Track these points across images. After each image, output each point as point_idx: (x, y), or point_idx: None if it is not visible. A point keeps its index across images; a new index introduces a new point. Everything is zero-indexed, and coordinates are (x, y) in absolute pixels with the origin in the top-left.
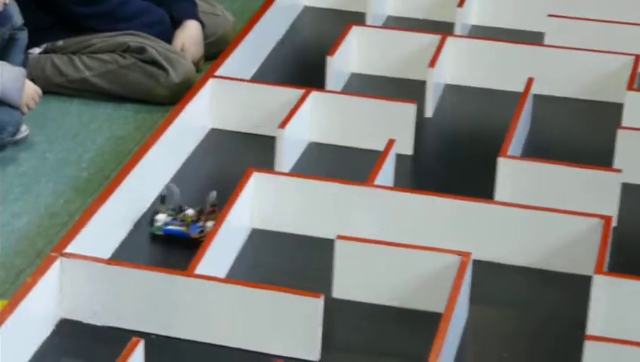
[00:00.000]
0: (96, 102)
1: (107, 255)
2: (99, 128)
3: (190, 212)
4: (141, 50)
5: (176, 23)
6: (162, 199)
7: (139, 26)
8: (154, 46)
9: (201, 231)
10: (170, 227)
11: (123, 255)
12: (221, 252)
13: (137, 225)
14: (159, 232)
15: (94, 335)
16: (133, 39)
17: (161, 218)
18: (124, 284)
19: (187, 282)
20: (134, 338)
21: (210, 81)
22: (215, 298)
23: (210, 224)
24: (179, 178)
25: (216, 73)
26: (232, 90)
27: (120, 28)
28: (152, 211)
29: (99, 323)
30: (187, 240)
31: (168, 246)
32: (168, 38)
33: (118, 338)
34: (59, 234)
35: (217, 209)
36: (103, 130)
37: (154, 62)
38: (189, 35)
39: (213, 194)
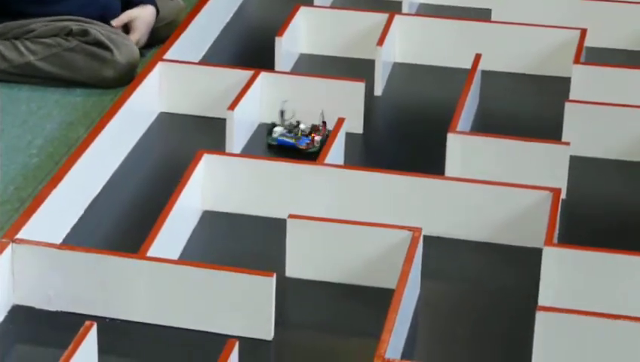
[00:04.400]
0: (45, 89)
1: (59, 240)
2: (48, 114)
3: (303, 126)
4: (84, 32)
5: (133, 6)
6: (281, 113)
7: (75, 8)
8: (97, 28)
9: (308, 144)
10: (283, 138)
11: (75, 239)
12: (173, 234)
13: (88, 209)
14: (274, 142)
15: (48, 320)
16: (75, 23)
17: (278, 130)
18: (76, 269)
19: (139, 264)
20: (87, 323)
21: (159, 65)
22: (168, 280)
23: (318, 138)
24: (129, 162)
25: (165, 56)
26: (181, 73)
27: (56, 10)
28: (271, 124)
29: (52, 309)
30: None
31: (120, 229)
32: (107, 19)
33: (72, 323)
34: (10, 220)
35: (325, 125)
36: (53, 116)
37: (98, 44)
38: (142, 16)
39: (323, 111)
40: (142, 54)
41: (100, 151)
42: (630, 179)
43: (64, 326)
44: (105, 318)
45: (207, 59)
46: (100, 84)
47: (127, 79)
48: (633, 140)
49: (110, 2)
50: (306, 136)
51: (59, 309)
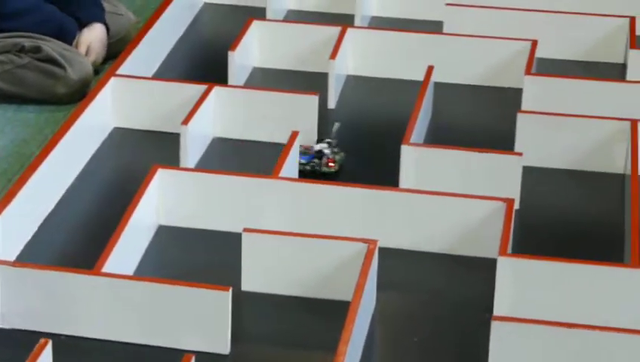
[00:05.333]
0: None
1: (12, 257)
2: (1, 131)
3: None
4: (37, 49)
5: (82, 25)
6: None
7: (28, 24)
8: (49, 45)
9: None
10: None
11: (29, 256)
12: (128, 249)
13: (42, 226)
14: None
15: (1, 338)
16: (28, 40)
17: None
18: (30, 286)
19: (94, 281)
20: (42, 340)
21: (112, 80)
22: (123, 296)
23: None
24: (83, 178)
25: (118, 72)
26: (134, 88)
27: (10, 26)
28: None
29: (6, 327)
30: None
31: (74, 245)
32: (64, 38)
33: (27, 341)
34: None
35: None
36: (5, 132)
37: (51, 60)
38: (96, 36)
39: (336, 125)
40: (96, 71)
41: (54, 168)
42: (582, 188)
43: (18, 344)
44: (60, 335)
45: (160, 74)
46: (53, 100)
47: (79, 95)
48: (584, 150)
49: (66, 21)
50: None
51: (13, 327)
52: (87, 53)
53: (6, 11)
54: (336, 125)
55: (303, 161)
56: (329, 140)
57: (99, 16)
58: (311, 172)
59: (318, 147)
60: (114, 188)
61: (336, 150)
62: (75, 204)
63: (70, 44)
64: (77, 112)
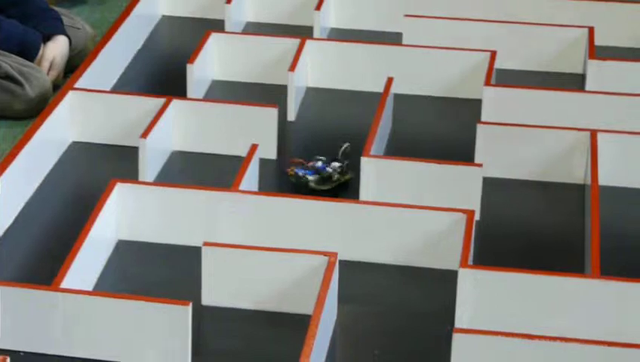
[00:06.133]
0: None
1: None
2: None
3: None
4: None
5: (45, 38)
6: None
7: None
8: (7, 61)
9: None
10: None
11: None
12: (87, 264)
13: (0, 241)
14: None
15: None
16: None
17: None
18: None
19: (52, 296)
20: (0, 357)
21: (70, 94)
22: (82, 311)
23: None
24: (41, 192)
25: (76, 85)
26: (92, 101)
27: None
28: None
29: None
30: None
31: (32, 260)
32: (28, 53)
33: None
34: None
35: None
36: None
37: (8, 77)
38: (61, 50)
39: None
40: (56, 86)
41: (12, 182)
42: (542, 198)
43: None
44: (19, 352)
45: (119, 88)
46: (10, 116)
47: (37, 111)
48: (544, 160)
49: (30, 36)
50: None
51: None
52: (50, 68)
53: None
54: (346, 145)
55: (309, 176)
56: (339, 161)
57: (60, 29)
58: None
59: (318, 164)
60: (73, 203)
61: (346, 171)
62: (34, 218)
63: (33, 59)
64: (34, 127)
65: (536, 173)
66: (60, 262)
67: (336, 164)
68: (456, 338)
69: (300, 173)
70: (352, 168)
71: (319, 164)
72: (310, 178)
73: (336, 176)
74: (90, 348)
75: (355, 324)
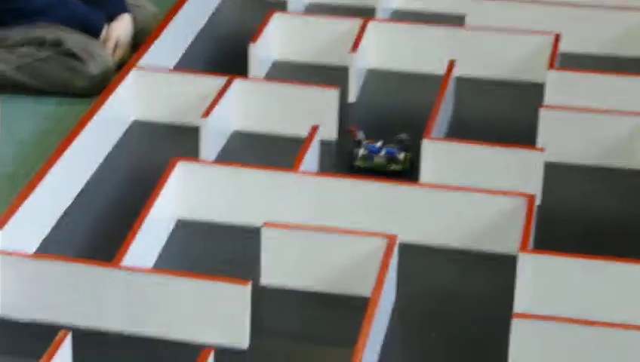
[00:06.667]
0: (17, 97)
1: (32, 250)
2: (20, 123)
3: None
4: (58, 42)
5: (109, 18)
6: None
7: (53, 19)
8: (71, 38)
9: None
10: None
11: (48, 249)
12: (147, 243)
13: (61, 219)
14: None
15: (22, 330)
16: (50, 31)
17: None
18: (50, 278)
19: (114, 274)
20: (62, 332)
21: (132, 72)
22: (142, 289)
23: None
24: (103, 171)
25: (138, 64)
26: (155, 80)
27: (33, 21)
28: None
29: (25, 318)
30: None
31: (94, 238)
32: (90, 32)
33: (46, 333)
34: None
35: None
36: (25, 125)
37: (71, 55)
38: (125, 29)
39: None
40: (120, 64)
41: (74, 160)
42: (604, 184)
43: (38, 337)
44: (79, 327)
45: (181, 66)
46: (72, 92)
47: (99, 89)
48: (607, 145)
49: (92, 15)
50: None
51: (33, 319)
52: (115, 47)
53: (34, 7)
54: (404, 137)
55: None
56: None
57: (124, 7)
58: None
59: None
60: (133, 182)
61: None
62: (95, 197)
63: (97, 37)
64: (97, 105)
65: (598, 159)
66: (121, 241)
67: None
68: (516, 323)
69: (364, 147)
70: (414, 150)
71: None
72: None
73: (393, 167)
74: (150, 326)
75: (413, 308)
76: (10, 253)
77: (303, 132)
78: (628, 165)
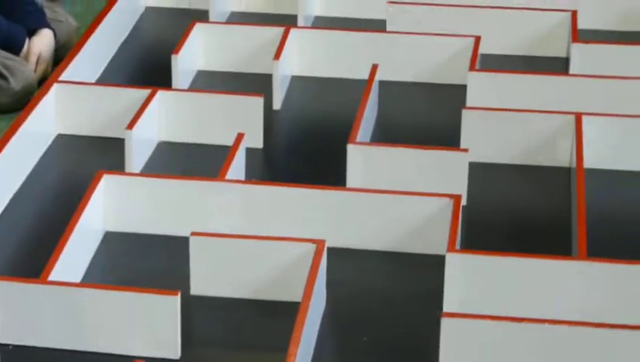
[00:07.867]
0: None
1: None
2: None
3: None
4: None
5: (30, 33)
6: None
7: None
8: None
9: None
10: None
11: None
12: (75, 256)
13: None
14: None
15: None
16: None
17: None
18: None
19: (41, 289)
20: None
21: (55, 86)
22: (71, 303)
23: None
24: (28, 185)
25: (61, 78)
26: (78, 94)
27: None
28: None
29: None
30: None
31: (20, 254)
32: (12, 48)
33: None
34: None
35: None
36: None
37: None
38: (47, 44)
39: None
40: (42, 79)
41: None
42: (528, 182)
43: None
44: (7, 345)
45: (104, 80)
46: None
47: (22, 104)
48: (530, 144)
49: (13, 30)
50: None
51: None
52: (37, 62)
53: None
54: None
55: None
56: None
57: (45, 22)
58: None
59: None
60: (59, 195)
61: None
62: (20, 212)
63: (19, 52)
64: (20, 120)
65: (521, 157)
66: (48, 255)
67: None
68: (445, 322)
69: None
70: (339, 155)
71: None
72: None
73: None
74: (78, 339)
75: (344, 311)
76: None
77: (229, 141)
78: (551, 163)
